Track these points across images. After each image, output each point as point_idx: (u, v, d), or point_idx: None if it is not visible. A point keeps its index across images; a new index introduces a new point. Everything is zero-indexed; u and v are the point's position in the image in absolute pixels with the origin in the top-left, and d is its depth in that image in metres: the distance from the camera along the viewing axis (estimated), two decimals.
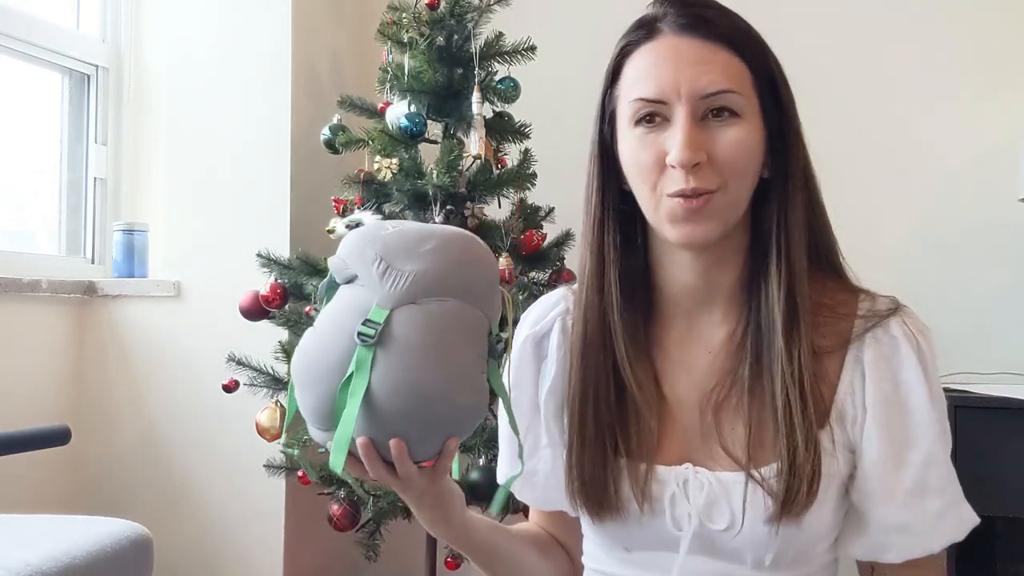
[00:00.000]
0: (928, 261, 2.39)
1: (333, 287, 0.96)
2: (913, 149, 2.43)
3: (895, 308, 0.97)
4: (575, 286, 1.08)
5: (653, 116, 0.92)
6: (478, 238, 0.96)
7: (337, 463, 0.86)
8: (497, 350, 0.94)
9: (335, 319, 0.92)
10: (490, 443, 1.90)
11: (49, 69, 2.45)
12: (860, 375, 0.95)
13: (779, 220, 0.96)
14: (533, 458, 1.06)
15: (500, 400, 0.96)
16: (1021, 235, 2.35)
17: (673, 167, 0.90)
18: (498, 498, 0.99)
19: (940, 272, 2.38)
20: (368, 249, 0.92)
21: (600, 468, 0.97)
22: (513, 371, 1.06)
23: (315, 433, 0.93)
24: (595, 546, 1.05)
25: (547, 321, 1.07)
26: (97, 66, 2.52)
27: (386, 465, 0.89)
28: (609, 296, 0.99)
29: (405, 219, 2.03)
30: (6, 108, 2.38)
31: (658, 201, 0.93)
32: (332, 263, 0.94)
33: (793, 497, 0.90)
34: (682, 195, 0.90)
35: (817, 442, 0.92)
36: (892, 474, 0.93)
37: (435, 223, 0.96)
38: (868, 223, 2.35)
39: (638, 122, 0.93)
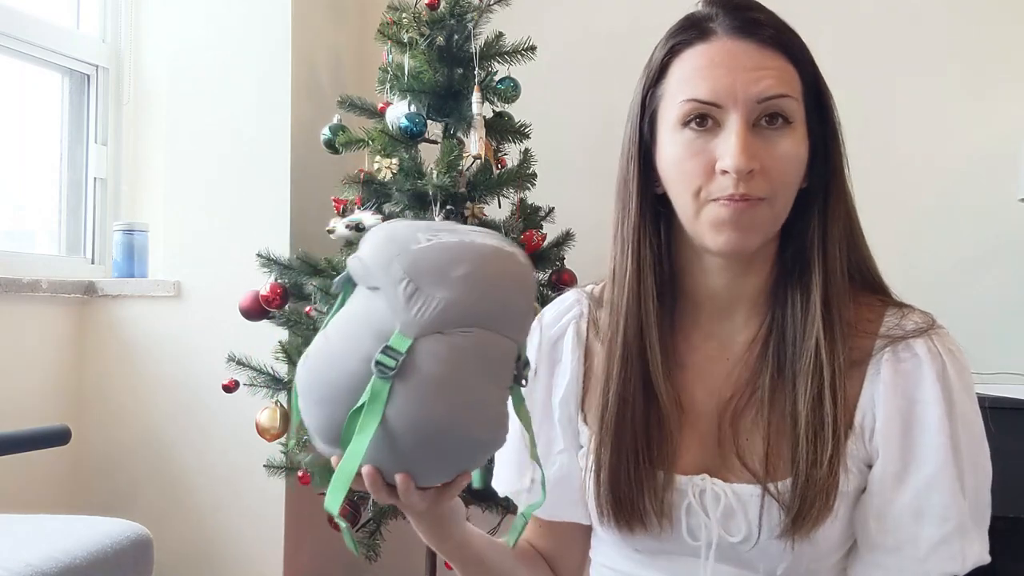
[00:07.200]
0: (928, 261, 2.39)
1: (349, 284, 0.89)
2: (913, 149, 2.43)
3: (924, 327, 0.94)
4: (588, 288, 1.07)
5: (704, 119, 0.89)
6: (518, 253, 0.88)
7: (333, 504, 0.80)
8: (524, 375, 0.88)
9: (350, 333, 0.85)
10: None
11: (49, 69, 2.44)
12: (877, 391, 0.93)
13: (820, 233, 0.94)
14: (544, 465, 1.02)
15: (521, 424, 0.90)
16: (1021, 235, 2.35)
17: (724, 173, 0.88)
18: (516, 527, 0.95)
19: (940, 272, 2.38)
20: (395, 264, 0.83)
21: (633, 479, 0.95)
22: None
23: (320, 446, 0.88)
24: (604, 544, 1.04)
25: (561, 325, 1.06)
26: (97, 66, 2.52)
27: (388, 488, 0.85)
28: (647, 304, 0.96)
29: (406, 219, 2.02)
30: (6, 108, 2.38)
31: (700, 207, 0.90)
32: (352, 265, 0.87)
33: (807, 512, 0.89)
34: (730, 199, 0.88)
35: (838, 459, 0.90)
36: (890, 492, 0.92)
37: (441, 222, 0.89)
38: (868, 223, 2.30)
39: (687, 124, 0.90)
